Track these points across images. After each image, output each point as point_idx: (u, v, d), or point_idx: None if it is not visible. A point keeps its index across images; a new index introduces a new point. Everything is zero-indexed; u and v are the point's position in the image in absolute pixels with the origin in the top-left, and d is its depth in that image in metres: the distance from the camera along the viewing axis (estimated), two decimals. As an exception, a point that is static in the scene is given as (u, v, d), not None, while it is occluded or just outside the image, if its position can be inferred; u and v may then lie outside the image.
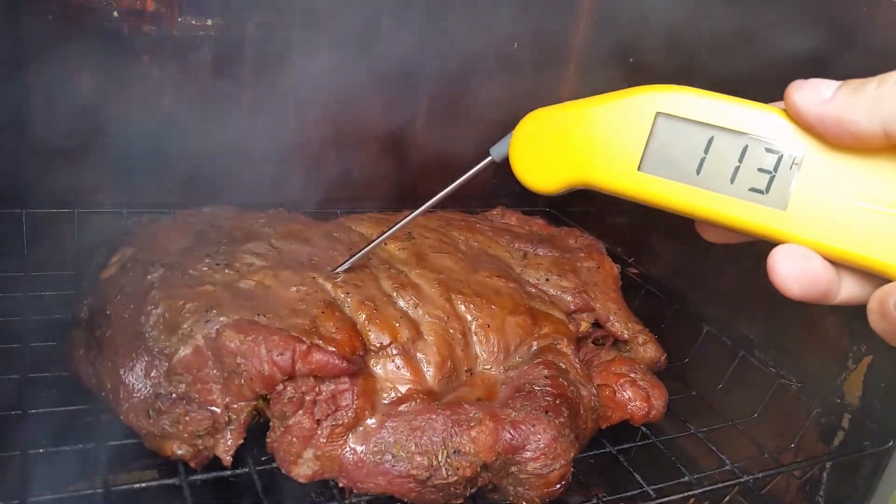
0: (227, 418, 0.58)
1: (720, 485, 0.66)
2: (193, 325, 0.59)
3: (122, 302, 0.62)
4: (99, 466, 0.56)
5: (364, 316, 0.63)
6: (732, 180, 0.43)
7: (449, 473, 0.57)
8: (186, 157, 0.87)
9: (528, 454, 0.59)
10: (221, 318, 0.59)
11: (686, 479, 0.66)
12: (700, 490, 0.65)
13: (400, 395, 0.61)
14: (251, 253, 0.69)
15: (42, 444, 0.56)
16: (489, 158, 0.54)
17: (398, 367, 0.62)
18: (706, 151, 0.43)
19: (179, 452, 0.58)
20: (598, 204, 1.08)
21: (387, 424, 0.59)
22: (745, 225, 0.43)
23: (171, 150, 0.87)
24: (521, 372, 0.66)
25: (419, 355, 0.63)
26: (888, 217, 0.39)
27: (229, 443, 0.58)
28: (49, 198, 0.82)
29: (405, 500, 0.58)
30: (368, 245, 0.67)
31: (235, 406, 0.58)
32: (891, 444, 0.70)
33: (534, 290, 0.78)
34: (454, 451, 0.57)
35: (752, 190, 0.42)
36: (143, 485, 0.56)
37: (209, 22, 0.85)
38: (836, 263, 0.41)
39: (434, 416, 0.59)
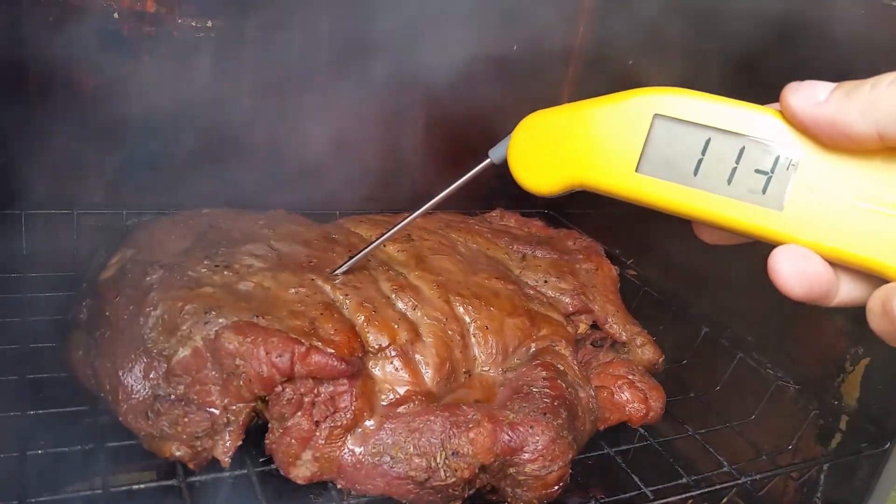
0: (225, 420, 0.58)
1: (718, 486, 0.66)
2: (192, 327, 0.59)
3: (122, 303, 0.62)
4: (97, 467, 0.56)
5: (363, 318, 0.63)
6: (729, 181, 0.43)
7: (447, 475, 0.57)
8: (186, 158, 0.88)
9: (527, 456, 0.59)
10: (220, 320, 0.59)
11: (684, 480, 0.66)
12: (698, 492, 0.65)
13: (398, 396, 0.61)
14: (250, 254, 0.69)
15: (41, 445, 0.56)
16: (488, 160, 0.54)
17: (397, 369, 0.62)
18: (703, 153, 0.43)
19: (178, 454, 0.58)
20: (597, 206, 1.08)
21: (385, 426, 0.59)
22: (743, 226, 0.43)
23: (171, 152, 0.87)
24: (519, 374, 0.66)
25: (418, 357, 0.63)
26: (886, 217, 0.39)
27: (228, 444, 0.58)
28: (48, 199, 0.82)
29: (403, 501, 0.58)
30: (367, 247, 0.67)
31: (234, 407, 0.58)
32: (888, 445, 0.70)
33: (532, 292, 0.78)
34: (452, 453, 0.57)
35: (749, 191, 0.42)
36: (142, 486, 0.56)
37: (209, 23, 0.85)
38: (834, 264, 0.41)
39: (432, 418, 0.59)
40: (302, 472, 0.58)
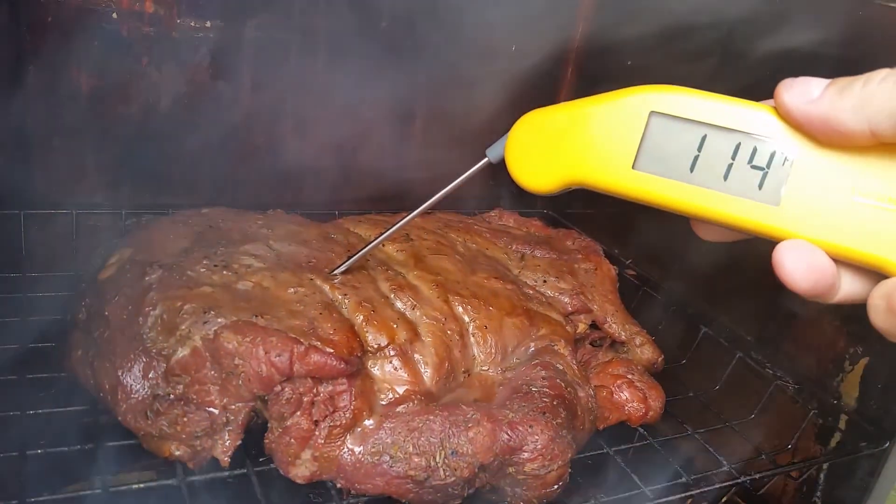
0: (224, 419, 0.58)
1: (717, 485, 0.66)
2: (191, 327, 0.59)
3: (120, 303, 0.62)
4: (97, 467, 0.56)
5: (362, 317, 0.63)
6: (726, 177, 0.43)
7: (447, 474, 0.57)
8: (185, 159, 0.88)
9: (526, 455, 0.59)
10: (219, 320, 0.59)
11: (683, 479, 0.66)
12: (697, 491, 0.65)
13: (398, 396, 0.61)
14: (249, 254, 0.69)
15: (40, 445, 0.56)
16: (485, 160, 0.55)
17: (396, 369, 0.62)
18: (699, 149, 0.43)
19: (177, 453, 0.58)
20: (597, 205, 1.08)
21: (384, 425, 0.59)
22: (740, 221, 0.43)
23: (170, 152, 0.87)
24: (518, 373, 0.67)
25: (417, 356, 0.63)
26: (884, 211, 0.39)
27: (227, 444, 0.58)
28: (47, 199, 0.82)
29: (403, 500, 0.58)
30: (366, 246, 0.67)
31: (233, 407, 0.58)
32: (887, 444, 0.70)
33: (531, 292, 0.78)
34: (452, 452, 0.57)
35: (746, 187, 0.42)
36: (141, 485, 0.56)
37: (208, 24, 0.85)
38: (833, 260, 0.41)
39: (432, 417, 0.59)
40: (301, 471, 0.58)
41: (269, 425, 0.59)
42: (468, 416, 0.59)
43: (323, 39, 0.91)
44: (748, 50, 0.81)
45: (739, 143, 0.43)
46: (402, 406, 0.60)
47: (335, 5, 0.91)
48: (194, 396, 0.58)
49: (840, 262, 0.41)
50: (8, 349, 0.67)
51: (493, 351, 0.68)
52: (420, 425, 0.58)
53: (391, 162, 1.03)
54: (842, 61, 0.59)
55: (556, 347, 0.70)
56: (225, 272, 0.65)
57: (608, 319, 0.80)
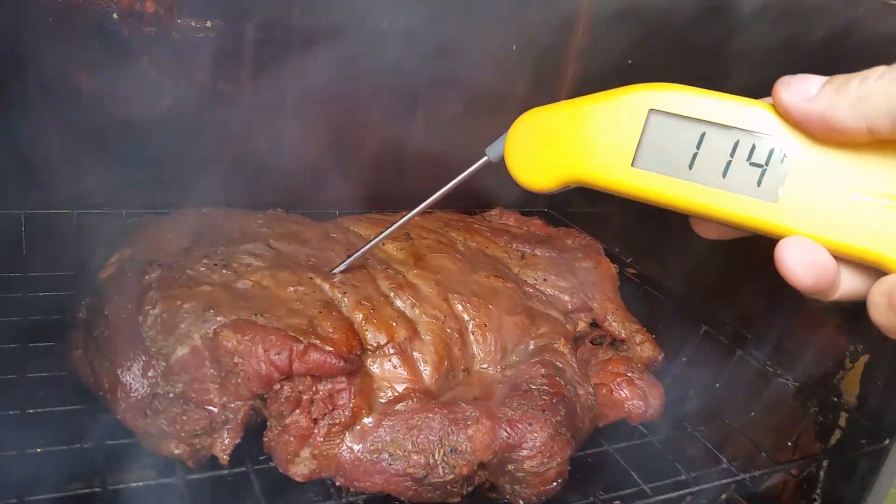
0: (224, 418, 0.58)
1: (717, 483, 0.66)
2: (191, 325, 0.59)
3: (120, 302, 0.63)
4: (96, 466, 0.56)
5: (361, 316, 0.63)
6: (724, 174, 0.43)
7: (446, 472, 0.57)
8: (185, 158, 0.88)
9: (525, 452, 0.59)
10: (219, 318, 0.59)
11: (683, 477, 0.66)
12: (697, 488, 0.65)
13: (397, 394, 0.61)
14: (249, 253, 0.69)
15: (40, 444, 0.56)
16: (485, 158, 0.55)
17: (395, 367, 0.62)
18: (698, 147, 0.43)
19: (177, 452, 0.58)
20: (597, 204, 1.08)
21: (384, 423, 0.59)
22: (739, 218, 0.43)
23: (170, 152, 0.87)
24: (518, 371, 0.66)
25: (416, 355, 0.63)
26: (883, 208, 0.39)
27: (226, 442, 0.58)
28: (48, 199, 0.83)
29: (402, 498, 0.58)
30: (366, 245, 0.67)
31: (233, 405, 0.58)
32: (887, 442, 0.70)
33: (531, 290, 0.78)
34: (451, 450, 0.57)
35: (744, 184, 0.42)
36: (141, 484, 0.56)
37: (209, 23, 0.85)
38: (833, 257, 0.41)
39: (431, 415, 0.59)
40: (300, 469, 0.58)
41: (268, 423, 0.59)
42: (467, 413, 0.59)
43: (322, 39, 0.91)
44: (748, 47, 0.81)
45: (738, 141, 0.43)
46: (402, 404, 0.60)
47: (334, 5, 0.91)
48: (194, 395, 0.58)
49: (839, 259, 0.41)
50: (8, 348, 0.67)
51: (492, 349, 0.68)
52: (419, 423, 0.58)
53: (391, 161, 1.03)
54: (839, 58, 0.59)
55: (555, 346, 0.70)
56: (224, 271, 0.65)
57: (608, 318, 0.80)
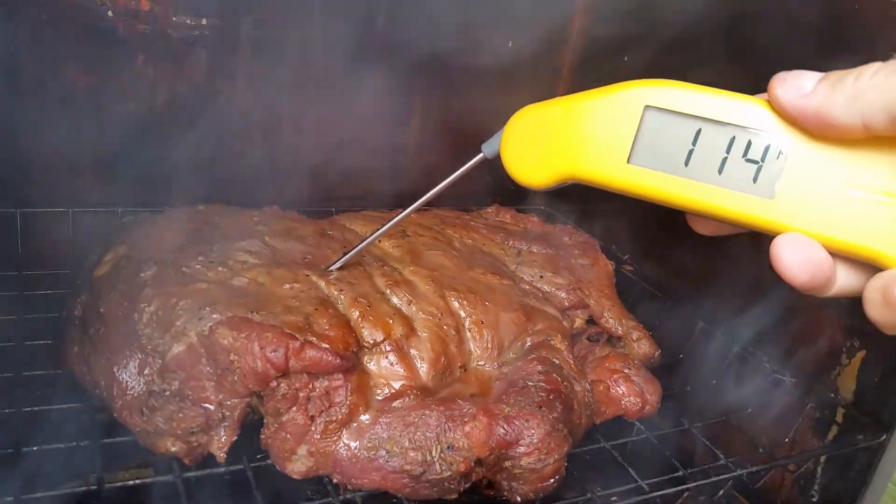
0: (220, 415, 0.58)
1: (714, 479, 0.66)
2: (187, 323, 0.59)
3: (116, 300, 0.63)
4: (93, 464, 0.56)
5: (357, 313, 0.63)
6: (720, 171, 0.43)
7: (443, 468, 0.57)
8: (181, 156, 0.88)
9: (522, 449, 0.59)
10: (215, 316, 0.59)
11: (680, 473, 0.66)
12: (694, 484, 0.65)
13: (394, 391, 0.61)
14: (245, 251, 0.69)
15: (36, 442, 0.56)
16: (480, 155, 0.55)
17: (392, 364, 0.62)
18: (694, 143, 0.43)
19: (173, 449, 0.58)
20: (594, 201, 1.08)
21: (380, 420, 0.59)
22: (734, 215, 0.43)
23: (166, 149, 0.87)
24: (515, 368, 0.66)
25: (413, 352, 0.63)
26: (878, 204, 0.39)
27: (223, 440, 0.58)
28: (43, 197, 0.82)
29: (399, 495, 0.58)
30: (362, 242, 0.67)
31: (229, 403, 0.58)
32: (884, 437, 0.70)
33: (528, 287, 0.78)
34: (448, 447, 0.57)
35: (740, 180, 0.42)
36: (138, 482, 0.56)
37: (204, 21, 0.85)
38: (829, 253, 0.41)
39: (428, 412, 0.59)
40: (297, 466, 0.58)
41: (264, 421, 0.59)
42: (464, 410, 0.59)
43: (318, 36, 0.91)
44: (745, 44, 0.81)
45: (734, 137, 0.43)
46: (399, 401, 0.60)
47: (331, 2, 0.91)
48: (190, 392, 0.58)
49: (835, 255, 0.41)
50: (5, 347, 0.67)
51: (489, 346, 0.68)
52: (416, 420, 0.58)
53: (387, 158, 1.03)
54: (836, 55, 0.59)
55: (552, 342, 0.70)
56: (220, 269, 0.65)
57: (605, 314, 0.80)
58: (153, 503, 0.57)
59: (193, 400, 0.58)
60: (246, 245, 0.70)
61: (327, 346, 0.57)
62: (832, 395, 0.75)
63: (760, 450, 0.75)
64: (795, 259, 0.40)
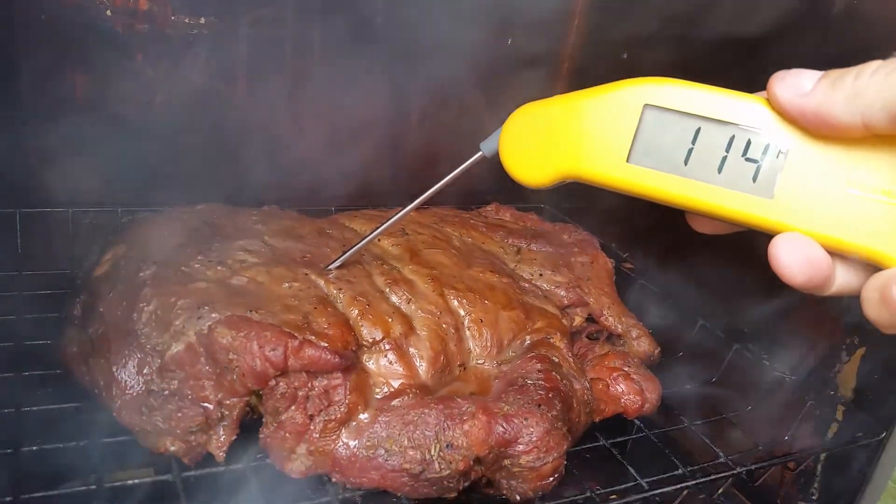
0: (219, 414, 0.58)
1: (714, 477, 0.66)
2: (186, 322, 0.59)
3: (115, 299, 0.63)
4: (92, 463, 0.56)
5: (356, 311, 0.63)
6: (720, 170, 0.43)
7: (442, 467, 0.57)
8: (180, 156, 0.88)
9: (521, 447, 0.59)
10: (214, 315, 0.59)
11: (680, 471, 0.66)
12: (694, 482, 0.65)
13: (393, 389, 0.61)
14: (244, 250, 0.69)
15: (36, 442, 0.56)
16: (479, 154, 0.55)
17: (391, 362, 0.62)
18: (693, 142, 0.43)
19: (172, 449, 0.58)
20: (593, 200, 1.08)
21: (379, 419, 0.59)
22: (734, 214, 0.43)
23: (165, 149, 0.87)
24: (514, 366, 0.66)
25: (412, 350, 0.63)
26: (877, 204, 0.39)
27: (222, 439, 0.58)
28: (43, 197, 0.82)
29: (398, 494, 0.58)
30: (361, 241, 0.67)
31: (228, 402, 0.58)
32: (884, 435, 0.70)
33: (527, 285, 0.78)
34: (447, 445, 0.57)
35: (740, 179, 0.42)
36: (137, 481, 0.56)
37: (202, 20, 0.85)
38: (828, 252, 0.41)
39: (427, 411, 0.59)
40: (297, 465, 0.58)
41: (263, 420, 0.59)
42: (463, 408, 0.59)
43: (318, 35, 0.91)
44: (744, 42, 0.81)
45: (734, 136, 0.43)
46: (398, 400, 0.60)
47: (330, 2, 0.91)
48: (189, 392, 0.58)
49: (834, 254, 0.41)
50: (4, 346, 0.67)
51: (488, 344, 0.68)
52: (415, 419, 0.58)
53: (387, 157, 1.03)
54: (834, 53, 0.59)
55: (552, 340, 0.70)
56: (219, 268, 0.65)
57: (604, 312, 0.80)
58: (153, 503, 0.57)
59: (192, 399, 0.58)
60: (245, 244, 0.70)
61: (326, 344, 0.57)
62: (832, 392, 0.75)
63: (760, 447, 0.75)
64: (794, 259, 0.40)
